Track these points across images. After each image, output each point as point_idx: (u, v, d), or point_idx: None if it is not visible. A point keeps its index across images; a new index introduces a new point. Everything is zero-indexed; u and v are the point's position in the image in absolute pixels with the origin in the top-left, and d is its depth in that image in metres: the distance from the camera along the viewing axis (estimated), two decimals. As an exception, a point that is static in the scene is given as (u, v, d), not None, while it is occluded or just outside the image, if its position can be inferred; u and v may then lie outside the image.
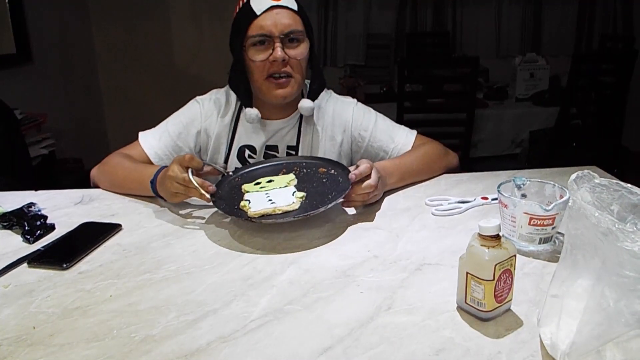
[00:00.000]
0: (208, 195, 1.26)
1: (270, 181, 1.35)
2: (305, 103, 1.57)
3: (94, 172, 1.61)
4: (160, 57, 4.56)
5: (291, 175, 1.38)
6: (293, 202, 1.23)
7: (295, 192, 1.29)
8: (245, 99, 1.60)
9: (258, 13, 1.46)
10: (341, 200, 1.26)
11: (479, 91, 3.59)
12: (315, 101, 1.59)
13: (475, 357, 0.79)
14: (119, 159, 1.56)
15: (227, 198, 1.31)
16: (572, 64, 3.18)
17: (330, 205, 1.21)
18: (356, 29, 5.10)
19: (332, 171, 1.38)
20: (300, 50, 1.51)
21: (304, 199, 1.26)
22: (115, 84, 4.57)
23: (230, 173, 1.43)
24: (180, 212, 1.38)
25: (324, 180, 1.35)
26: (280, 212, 1.20)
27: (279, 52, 1.46)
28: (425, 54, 4.91)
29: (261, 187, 1.33)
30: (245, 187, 1.34)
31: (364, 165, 1.30)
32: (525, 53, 3.86)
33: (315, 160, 1.46)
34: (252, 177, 1.40)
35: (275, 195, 1.28)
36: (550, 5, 5.03)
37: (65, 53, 4.00)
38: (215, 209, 1.34)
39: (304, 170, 1.41)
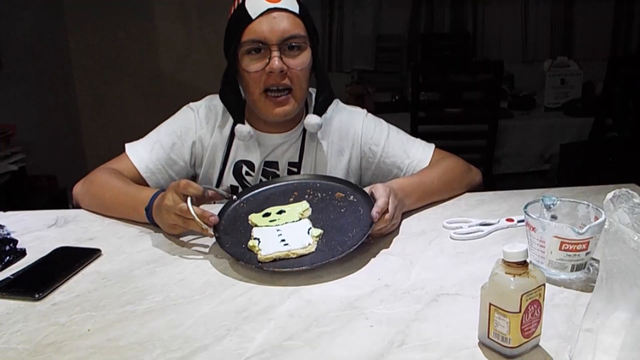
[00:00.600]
0: (211, 230, 1.25)
1: (281, 212, 1.32)
2: (311, 119, 1.56)
3: (77, 190, 1.60)
4: (144, 62, 4.59)
5: (304, 204, 1.34)
6: (309, 244, 1.19)
7: (310, 228, 1.25)
8: (237, 113, 1.59)
9: (253, 17, 1.45)
10: (360, 243, 1.21)
11: (502, 100, 3.60)
12: (323, 115, 1.59)
13: (499, 399, 0.80)
14: (106, 177, 1.55)
15: (232, 232, 1.28)
16: (607, 69, 3.20)
17: (351, 249, 1.18)
18: (364, 29, 5.13)
19: (352, 197, 1.36)
20: (302, 60, 1.50)
21: (320, 237, 1.23)
22: (93, 93, 4.59)
23: (235, 197, 1.40)
24: (166, 235, 1.38)
25: (342, 209, 1.32)
26: (294, 256, 1.17)
27: (276, 62, 1.45)
28: (442, 57, 4.93)
29: (271, 221, 1.30)
30: (252, 218, 1.31)
31: (381, 199, 1.27)
32: (555, 57, 3.89)
33: (331, 182, 1.43)
34: (260, 203, 1.37)
35: (288, 232, 1.24)
36: (583, 3, 5.05)
37: (38, 58, 4.02)
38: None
39: (319, 195, 1.39)
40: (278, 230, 1.25)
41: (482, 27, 5.14)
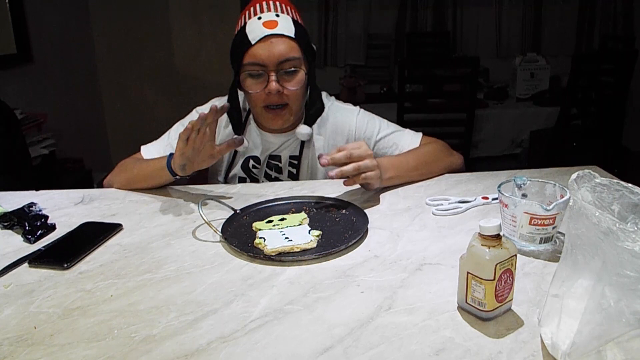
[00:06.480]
0: (219, 232, 1.21)
1: (282, 219, 1.29)
2: (302, 129, 1.57)
3: (108, 179, 1.60)
4: (160, 57, 4.55)
5: (303, 214, 1.31)
6: (311, 240, 1.16)
7: (310, 230, 1.22)
8: (237, 127, 1.60)
9: (252, 42, 1.44)
10: (357, 240, 1.18)
11: (479, 91, 3.59)
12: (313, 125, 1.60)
13: (475, 357, 0.79)
14: (131, 161, 1.59)
15: (237, 236, 1.22)
16: (572, 64, 3.19)
17: (350, 244, 1.15)
18: (356, 29, 5.12)
19: (344, 210, 1.33)
20: (296, 81, 1.49)
21: (320, 237, 1.19)
22: (115, 84, 4.56)
23: (238, 212, 1.34)
24: (180, 212, 1.38)
25: (337, 219, 1.29)
26: (298, 249, 1.13)
27: (273, 85, 1.45)
28: (425, 54, 4.92)
29: (274, 225, 1.26)
30: (256, 225, 1.27)
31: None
32: (526, 53, 3.87)
33: (325, 201, 1.40)
34: (261, 216, 1.33)
35: (290, 233, 1.21)
36: (550, 5, 5.05)
37: (66, 53, 3.99)
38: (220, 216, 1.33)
39: (314, 210, 1.35)
40: (281, 231, 1.22)
41: (461, 26, 5.14)
